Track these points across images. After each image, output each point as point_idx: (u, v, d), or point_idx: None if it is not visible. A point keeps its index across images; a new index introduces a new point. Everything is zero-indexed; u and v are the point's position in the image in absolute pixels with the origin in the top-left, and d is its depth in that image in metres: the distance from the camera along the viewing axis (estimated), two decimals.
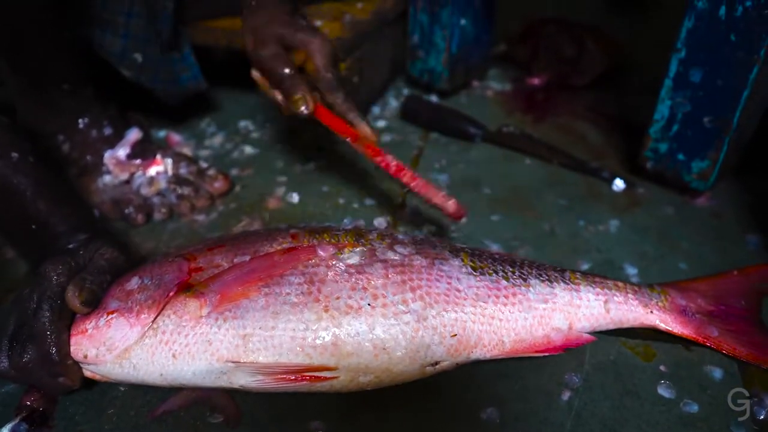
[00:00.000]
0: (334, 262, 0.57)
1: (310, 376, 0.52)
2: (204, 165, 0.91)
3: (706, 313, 0.63)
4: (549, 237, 0.80)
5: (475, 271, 0.60)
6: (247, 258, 0.58)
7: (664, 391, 0.58)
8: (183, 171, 0.89)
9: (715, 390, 0.58)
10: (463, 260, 0.61)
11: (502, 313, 0.58)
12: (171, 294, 0.54)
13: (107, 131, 0.86)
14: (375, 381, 0.55)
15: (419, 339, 0.54)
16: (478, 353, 0.57)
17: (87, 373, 0.55)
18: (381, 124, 1.08)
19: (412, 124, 1.08)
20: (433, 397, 0.57)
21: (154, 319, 0.53)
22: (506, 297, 0.59)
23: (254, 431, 0.55)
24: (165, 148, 0.92)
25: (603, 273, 0.72)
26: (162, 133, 1.02)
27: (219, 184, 0.88)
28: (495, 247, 0.76)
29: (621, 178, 0.90)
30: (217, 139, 1.02)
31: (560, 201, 0.87)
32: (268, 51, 0.71)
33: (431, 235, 0.78)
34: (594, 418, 0.56)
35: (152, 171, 0.87)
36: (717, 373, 0.60)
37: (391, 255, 0.59)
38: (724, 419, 0.55)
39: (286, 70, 0.70)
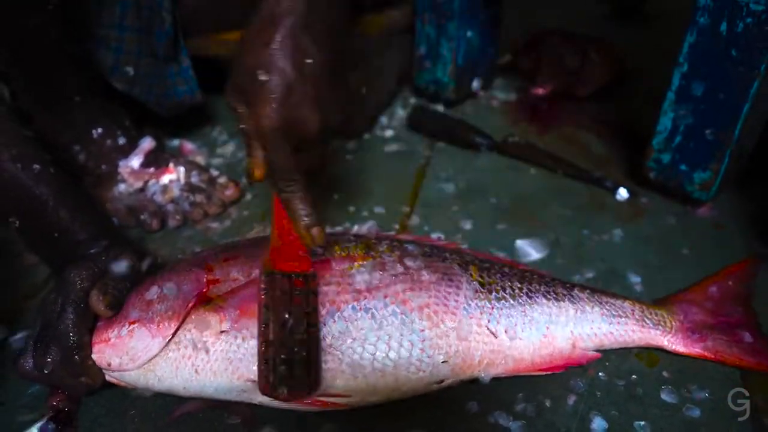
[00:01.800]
0: (344, 280, 0.58)
1: (324, 402, 0.54)
2: (215, 173, 0.93)
3: (709, 327, 0.64)
4: (554, 246, 0.82)
5: (482, 288, 0.61)
6: None
7: (667, 396, 0.60)
8: (195, 179, 0.91)
9: (717, 395, 0.60)
10: (471, 275, 0.62)
11: (507, 332, 0.59)
12: (190, 305, 0.56)
13: (121, 141, 0.88)
14: (383, 399, 0.57)
15: (425, 359, 0.56)
16: (482, 372, 0.59)
17: (112, 380, 0.57)
18: (388, 133, 1.11)
19: (418, 133, 1.10)
20: (442, 402, 0.59)
21: (175, 331, 0.55)
22: (510, 317, 0.60)
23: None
24: (177, 156, 0.94)
25: (607, 282, 0.75)
26: (175, 142, 1.04)
27: (230, 192, 0.90)
28: (501, 256, 0.78)
29: (625, 188, 0.92)
30: (229, 148, 1.05)
31: (565, 210, 0.89)
32: (227, 100, 0.57)
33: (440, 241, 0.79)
34: (598, 422, 0.57)
35: (165, 179, 0.89)
36: (718, 378, 0.62)
37: (400, 269, 0.60)
38: (726, 424, 0.57)
39: (241, 126, 0.56)
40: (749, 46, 0.72)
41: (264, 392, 0.52)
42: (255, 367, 0.53)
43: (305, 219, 0.56)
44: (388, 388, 0.56)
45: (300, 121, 0.53)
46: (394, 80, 1.19)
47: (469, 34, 1.10)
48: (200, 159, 1.00)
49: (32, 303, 0.71)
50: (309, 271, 0.56)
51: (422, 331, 0.57)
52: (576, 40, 1.24)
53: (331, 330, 0.55)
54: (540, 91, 1.23)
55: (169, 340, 0.55)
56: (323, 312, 0.56)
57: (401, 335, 0.56)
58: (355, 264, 0.60)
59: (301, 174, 0.55)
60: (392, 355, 0.55)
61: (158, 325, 0.55)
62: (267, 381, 0.52)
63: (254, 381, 0.53)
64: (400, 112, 1.17)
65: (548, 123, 1.14)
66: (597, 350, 0.62)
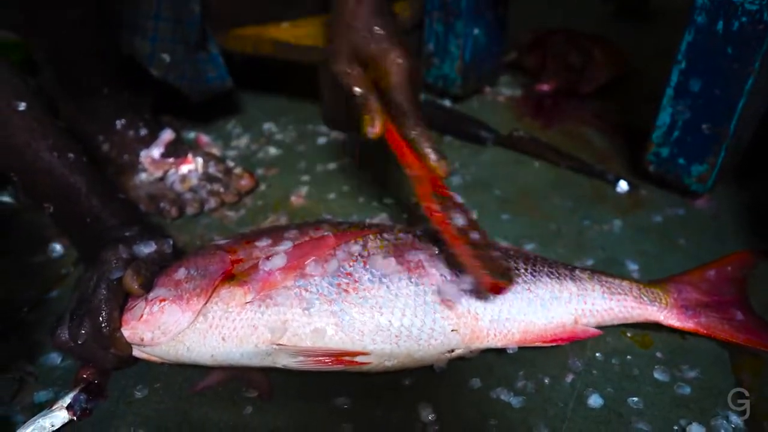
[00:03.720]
0: (358, 257, 0.63)
1: (346, 360, 0.59)
2: (231, 164, 0.97)
3: (703, 305, 0.68)
4: (555, 236, 0.85)
5: None
6: (283, 249, 0.63)
7: (659, 375, 0.63)
8: (212, 169, 0.95)
9: (706, 374, 0.63)
10: None
11: (512, 306, 0.63)
12: (217, 282, 0.60)
13: (143, 132, 0.92)
14: (398, 365, 0.61)
15: (437, 329, 0.60)
16: (490, 342, 0.63)
17: (143, 356, 0.61)
18: None
19: (426, 128, 1.13)
20: (446, 378, 0.63)
21: (204, 305, 0.59)
22: (517, 293, 0.64)
23: (285, 405, 0.60)
24: (195, 148, 0.98)
25: (606, 270, 0.77)
26: (192, 135, 1.08)
27: (245, 182, 0.94)
28: (504, 245, 0.81)
29: (625, 181, 0.95)
30: (243, 141, 1.09)
31: (567, 202, 0.93)
32: (339, 67, 0.66)
33: None
34: (595, 398, 0.61)
35: (184, 169, 0.94)
36: (708, 359, 0.65)
37: (412, 253, 0.64)
38: (714, 400, 0.60)
39: (356, 90, 0.66)
40: (744, 43, 0.75)
41: (490, 289, 0.59)
42: (278, 332, 0.58)
43: (434, 154, 0.64)
44: (403, 354, 0.60)
45: (416, 67, 0.65)
46: None
47: (476, 31, 1.13)
48: (215, 150, 1.04)
49: (58, 290, 0.75)
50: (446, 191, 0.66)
51: (433, 303, 0.61)
52: (580, 39, 1.27)
53: (351, 294, 0.60)
54: (544, 87, 1.26)
55: (198, 313, 0.59)
56: (342, 282, 0.61)
57: (415, 305, 0.61)
58: (370, 247, 0.65)
59: (422, 114, 0.65)
60: (406, 322, 0.60)
61: (187, 301, 0.59)
62: (491, 271, 0.58)
63: (278, 345, 0.58)
64: None
65: (552, 118, 1.17)
66: (598, 327, 0.66)
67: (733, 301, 0.67)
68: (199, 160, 0.94)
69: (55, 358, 0.65)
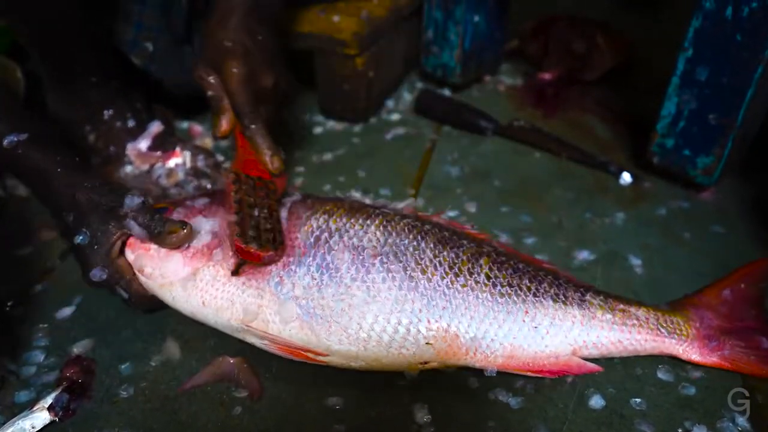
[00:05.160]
0: (353, 256, 0.60)
1: (307, 356, 0.58)
2: (221, 158, 0.95)
3: (725, 333, 0.62)
4: (556, 228, 0.83)
5: (488, 280, 0.60)
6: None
7: (663, 375, 0.61)
8: (201, 164, 0.93)
9: (713, 375, 0.61)
10: (481, 266, 0.61)
11: (501, 327, 0.59)
12: (221, 247, 0.61)
13: (131, 123, 0.90)
14: (365, 367, 0.59)
15: (410, 339, 0.57)
16: (468, 362, 0.59)
17: (142, 280, 0.63)
18: (395, 117, 1.12)
19: (425, 117, 1.11)
20: (443, 377, 0.61)
21: (201, 266, 0.60)
22: (510, 313, 0.59)
23: (275, 405, 0.58)
24: (185, 141, 0.96)
25: (608, 263, 0.76)
26: (185, 125, 1.05)
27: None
28: (504, 238, 0.79)
29: (628, 172, 0.92)
30: None
31: (568, 194, 0.90)
32: (197, 73, 0.72)
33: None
34: (596, 399, 0.59)
35: (171, 163, 0.91)
36: None
37: (408, 249, 0.61)
38: (720, 401, 0.58)
39: (209, 93, 0.71)
40: (754, 30, 0.72)
41: (238, 249, 0.58)
42: (251, 314, 0.58)
43: (267, 149, 0.69)
44: (369, 358, 0.58)
45: (258, 74, 0.70)
46: (401, 64, 1.20)
47: (476, 18, 1.10)
48: (209, 141, 1.01)
49: (44, 284, 0.73)
50: (269, 179, 0.68)
51: (411, 312, 0.58)
52: (583, 25, 1.24)
53: (327, 290, 0.58)
54: (546, 75, 1.23)
55: (194, 271, 0.60)
56: (324, 277, 0.59)
57: (390, 311, 0.58)
58: (369, 230, 0.62)
59: (261, 116, 0.70)
60: (377, 327, 0.57)
61: (192, 257, 0.61)
62: (243, 241, 0.58)
63: (247, 326, 0.58)
64: (407, 96, 1.18)
65: (554, 108, 1.14)
66: (602, 358, 0.61)
67: (756, 326, 0.62)
68: (188, 153, 0.92)
69: (39, 355, 0.63)
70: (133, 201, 0.61)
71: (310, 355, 0.58)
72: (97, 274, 0.61)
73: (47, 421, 0.55)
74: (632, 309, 0.62)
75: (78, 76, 0.84)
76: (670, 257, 0.78)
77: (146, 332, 0.66)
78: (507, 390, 0.60)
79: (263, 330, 0.58)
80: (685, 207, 0.87)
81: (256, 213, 0.63)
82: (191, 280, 0.60)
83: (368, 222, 0.63)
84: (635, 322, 0.61)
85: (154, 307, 0.66)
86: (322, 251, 0.60)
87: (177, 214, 0.64)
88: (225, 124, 0.70)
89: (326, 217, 0.64)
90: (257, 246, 0.58)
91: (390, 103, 1.16)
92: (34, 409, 0.55)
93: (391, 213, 0.66)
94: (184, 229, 0.60)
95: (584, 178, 0.94)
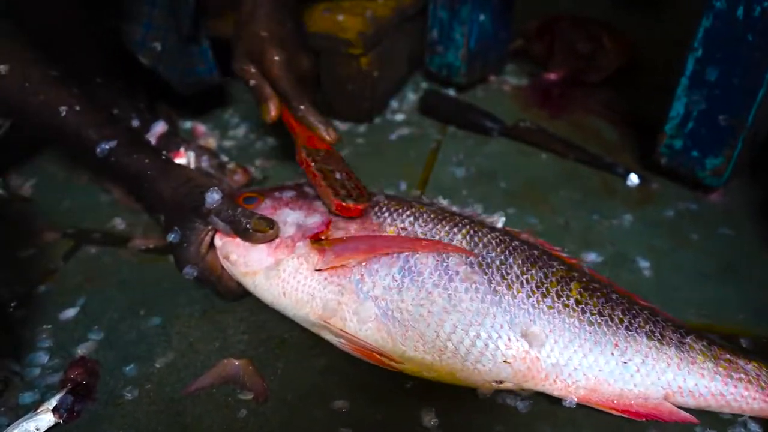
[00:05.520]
0: (437, 261, 0.59)
1: (380, 360, 0.57)
2: (225, 159, 0.94)
3: None
4: (563, 230, 0.82)
5: (576, 306, 0.57)
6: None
7: None
8: (205, 164, 0.92)
9: None
10: (570, 291, 0.58)
11: (587, 356, 0.55)
12: (305, 239, 0.61)
13: (134, 123, 0.89)
14: (438, 378, 0.57)
15: (487, 356, 0.55)
16: (547, 388, 0.56)
17: (226, 266, 0.64)
18: (399, 117, 1.11)
19: (430, 117, 1.10)
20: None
21: (285, 257, 0.61)
22: (599, 344, 0.55)
23: (281, 408, 0.58)
24: (189, 141, 0.95)
25: (615, 266, 0.75)
26: (189, 124, 1.05)
27: (239, 177, 0.91)
28: (603, 278, 0.69)
29: (635, 174, 0.92)
30: (241, 130, 1.05)
31: (575, 195, 0.90)
32: (237, 66, 0.77)
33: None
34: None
35: None
36: None
37: (495, 263, 0.59)
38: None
39: (251, 82, 0.77)
40: (766, 30, 0.72)
41: (338, 207, 0.62)
42: (330, 311, 0.58)
43: (320, 123, 0.74)
44: (443, 370, 0.56)
45: (297, 58, 0.77)
46: (406, 64, 1.19)
47: (481, 18, 1.10)
48: (212, 141, 1.01)
49: (47, 285, 0.73)
50: (332, 150, 0.73)
51: (491, 326, 0.56)
52: (589, 25, 1.23)
53: (408, 293, 0.57)
54: (552, 76, 1.22)
55: (278, 262, 0.61)
56: (406, 280, 0.58)
57: (470, 323, 0.56)
58: (455, 238, 0.61)
59: (306, 97, 0.75)
60: (455, 338, 0.55)
61: (276, 248, 0.61)
62: (340, 198, 0.63)
63: (325, 322, 0.58)
64: (412, 96, 1.18)
65: (559, 108, 1.13)
66: (696, 409, 0.55)
67: None
68: (192, 154, 0.91)
69: (43, 356, 0.62)
70: (213, 197, 0.61)
71: (385, 359, 0.57)
72: (189, 271, 0.63)
73: (52, 423, 0.55)
74: (740, 362, 0.55)
75: (81, 76, 0.83)
76: (678, 259, 0.77)
77: (151, 334, 0.66)
78: (515, 394, 0.59)
79: (340, 328, 0.58)
80: (693, 209, 0.86)
81: (338, 176, 0.67)
82: (274, 269, 0.61)
83: (455, 230, 0.62)
84: (742, 376, 0.54)
85: (241, 297, 0.68)
86: (406, 254, 0.59)
87: (264, 205, 0.66)
88: (273, 109, 0.75)
89: (412, 219, 0.63)
90: (354, 201, 0.62)
91: (394, 104, 1.15)
92: (39, 410, 0.55)
93: (479, 224, 0.64)
94: (271, 228, 0.61)
95: (591, 180, 0.93)
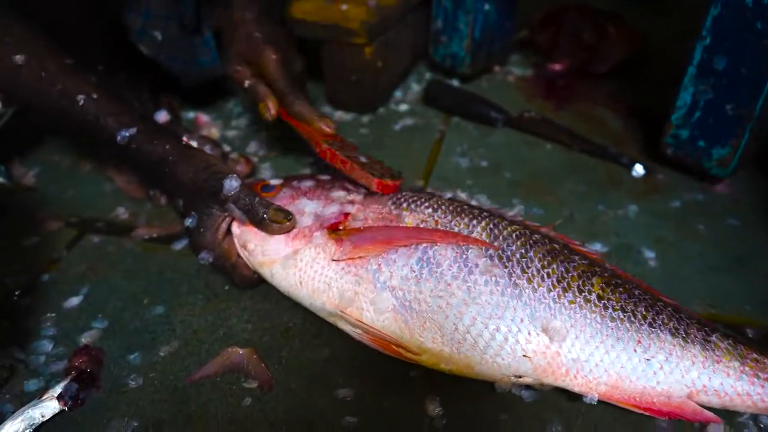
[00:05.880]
0: (456, 253, 0.58)
1: (397, 351, 0.57)
2: (227, 149, 0.94)
3: None
4: (568, 221, 0.82)
5: (599, 301, 0.56)
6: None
7: None
8: None
9: None
10: (592, 285, 0.57)
11: (608, 352, 0.54)
12: (323, 229, 0.62)
13: None
14: (455, 370, 0.57)
15: (507, 350, 0.55)
16: (567, 384, 0.55)
17: (243, 254, 0.64)
18: (403, 107, 1.10)
19: (434, 108, 1.10)
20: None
21: (302, 247, 0.61)
22: (619, 339, 0.54)
23: (285, 396, 0.58)
24: (191, 131, 0.95)
25: (621, 257, 0.75)
26: (191, 114, 1.04)
27: (241, 168, 0.91)
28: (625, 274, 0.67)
29: (641, 164, 0.91)
30: (244, 121, 1.05)
31: (580, 186, 0.89)
32: (232, 68, 0.79)
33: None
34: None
35: None
36: None
37: (515, 256, 0.58)
38: None
39: (246, 83, 0.78)
40: None
41: (379, 185, 0.65)
42: (347, 300, 0.58)
43: (317, 117, 0.75)
44: (461, 363, 0.56)
45: (290, 57, 0.79)
46: (409, 54, 1.18)
47: (486, 7, 1.09)
48: (215, 131, 1.01)
49: (51, 273, 0.72)
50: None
51: (511, 320, 0.55)
52: (594, 15, 1.22)
53: (426, 284, 0.57)
54: (557, 66, 1.21)
55: (295, 251, 0.61)
56: (424, 271, 0.58)
57: (489, 316, 0.55)
58: (474, 230, 0.61)
59: (302, 93, 0.78)
60: (474, 330, 0.55)
61: (293, 238, 0.62)
62: (380, 176, 0.66)
63: (342, 312, 0.58)
64: (415, 87, 1.17)
65: (564, 99, 1.13)
66: (720, 409, 0.54)
67: None
68: (194, 144, 0.90)
69: (47, 344, 0.62)
70: (231, 184, 0.61)
71: (402, 350, 0.56)
72: (204, 257, 0.64)
73: (57, 411, 0.55)
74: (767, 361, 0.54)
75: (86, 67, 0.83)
76: (685, 250, 0.76)
77: (154, 323, 0.66)
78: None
79: (357, 318, 0.58)
80: (699, 199, 0.86)
81: (363, 160, 0.69)
82: (291, 259, 0.61)
83: (474, 222, 0.61)
84: None
85: (256, 285, 0.68)
86: (425, 244, 0.59)
87: (283, 195, 0.66)
88: (273, 107, 0.76)
89: (431, 211, 0.63)
90: (390, 178, 0.66)
91: (398, 94, 1.15)
92: (44, 398, 0.55)
93: (499, 217, 0.64)
94: (288, 220, 0.61)
95: (596, 171, 0.93)
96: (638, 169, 0.91)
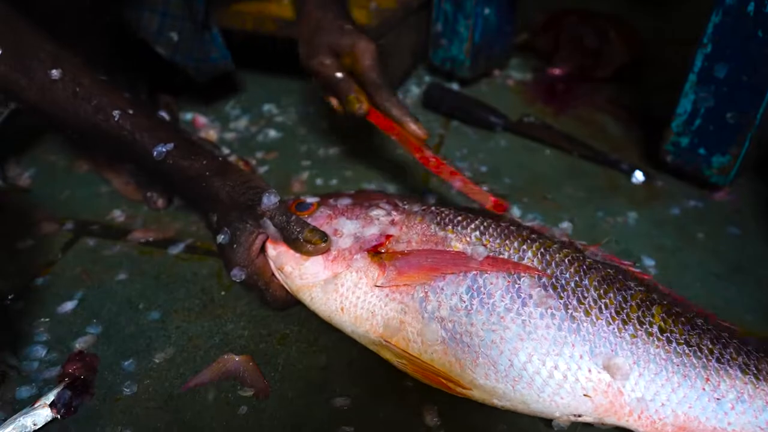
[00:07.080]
0: (508, 282, 0.55)
1: (447, 385, 0.54)
2: (226, 152, 0.93)
3: None
4: (567, 228, 0.81)
5: (661, 334, 0.53)
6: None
7: None
8: None
9: None
10: (654, 316, 0.54)
11: (675, 392, 0.51)
12: (364, 252, 0.59)
13: None
14: (510, 407, 0.55)
15: (566, 389, 0.52)
16: (631, 424, 0.52)
17: (280, 278, 0.62)
18: None
19: (433, 112, 1.09)
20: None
21: (343, 270, 0.59)
22: (686, 377, 0.51)
23: (282, 405, 0.57)
24: (191, 131, 0.94)
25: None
26: (189, 116, 1.04)
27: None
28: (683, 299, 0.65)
29: (640, 171, 0.91)
30: (242, 122, 1.04)
31: (579, 192, 0.89)
32: (318, 60, 0.76)
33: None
34: None
35: None
36: None
37: (569, 285, 0.55)
38: None
39: (338, 75, 0.75)
40: None
41: (495, 203, 0.66)
42: (392, 330, 0.56)
43: (409, 117, 0.73)
44: (516, 400, 0.53)
45: (383, 51, 0.77)
46: (409, 57, 1.18)
47: (486, 11, 1.08)
48: (213, 133, 1.00)
49: (45, 277, 0.72)
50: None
51: (570, 357, 0.52)
52: (595, 20, 1.22)
53: (478, 317, 0.54)
54: (557, 71, 1.21)
55: (335, 275, 0.59)
56: (475, 302, 0.55)
57: (547, 353, 0.52)
58: (525, 256, 0.57)
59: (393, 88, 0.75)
60: (530, 368, 0.52)
61: (333, 261, 0.59)
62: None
63: (387, 341, 0.56)
64: (415, 90, 1.16)
65: (564, 104, 1.12)
66: None
67: None
68: None
69: (40, 350, 0.61)
70: (270, 200, 0.60)
71: (451, 385, 0.53)
72: (237, 273, 0.61)
73: (49, 419, 0.54)
74: None
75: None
76: (684, 258, 0.76)
77: (150, 329, 0.65)
78: None
79: (403, 348, 0.55)
80: (699, 207, 0.85)
81: (466, 174, 0.68)
82: (331, 283, 0.58)
83: (524, 247, 0.58)
84: None
85: (290, 306, 0.65)
86: (474, 272, 0.56)
87: (320, 213, 0.63)
88: (365, 101, 0.73)
89: (478, 234, 0.59)
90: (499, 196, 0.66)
91: None
92: (36, 405, 0.54)
93: (549, 240, 0.61)
94: (324, 242, 0.59)
95: (596, 177, 0.92)
96: (638, 176, 0.91)
